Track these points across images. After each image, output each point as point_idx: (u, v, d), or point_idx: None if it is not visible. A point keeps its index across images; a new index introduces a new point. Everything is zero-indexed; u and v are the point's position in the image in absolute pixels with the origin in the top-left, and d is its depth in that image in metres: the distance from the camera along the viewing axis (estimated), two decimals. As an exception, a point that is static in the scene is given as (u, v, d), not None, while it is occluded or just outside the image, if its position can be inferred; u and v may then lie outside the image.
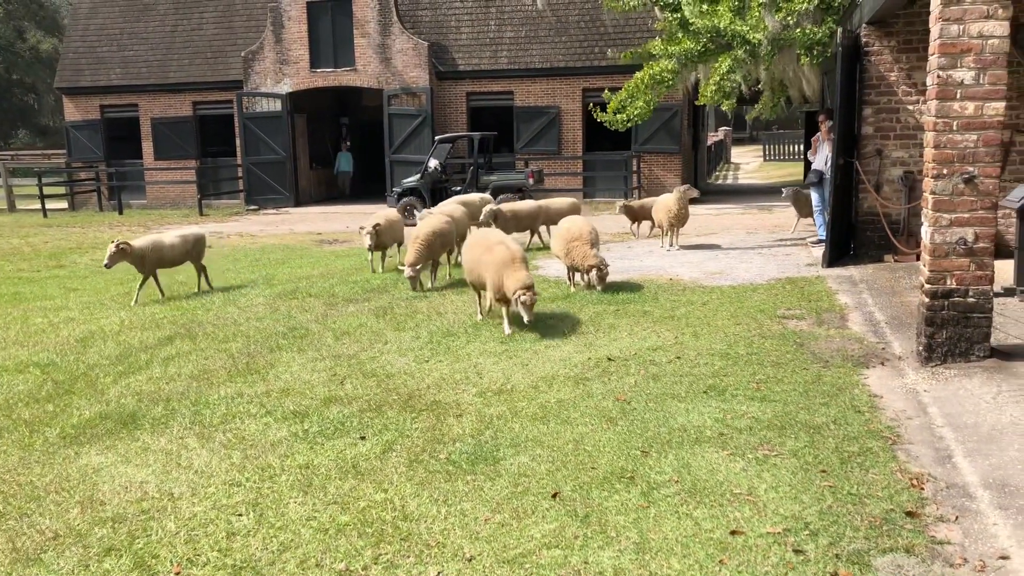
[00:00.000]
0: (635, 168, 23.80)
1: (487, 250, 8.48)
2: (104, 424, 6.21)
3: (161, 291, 11.34)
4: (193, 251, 11.61)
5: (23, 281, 13.46)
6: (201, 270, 11.86)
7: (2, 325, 9.98)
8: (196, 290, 11.73)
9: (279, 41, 25.42)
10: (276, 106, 25.74)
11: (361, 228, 12.37)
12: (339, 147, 29.49)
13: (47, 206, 26.19)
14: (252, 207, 25.74)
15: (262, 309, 10.15)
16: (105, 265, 10.68)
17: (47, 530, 4.54)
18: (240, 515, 4.59)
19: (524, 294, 7.90)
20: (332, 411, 6.22)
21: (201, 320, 9.64)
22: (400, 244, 13.19)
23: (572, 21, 24.73)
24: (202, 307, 10.44)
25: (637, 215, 15.65)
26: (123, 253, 10.67)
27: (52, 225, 23.21)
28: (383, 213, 12.98)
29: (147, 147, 27.54)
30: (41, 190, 26.06)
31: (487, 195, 16.44)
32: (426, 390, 6.64)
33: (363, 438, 5.65)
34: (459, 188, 20.54)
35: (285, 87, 25.62)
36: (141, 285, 11.10)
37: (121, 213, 25.41)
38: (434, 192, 20.67)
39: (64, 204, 28.72)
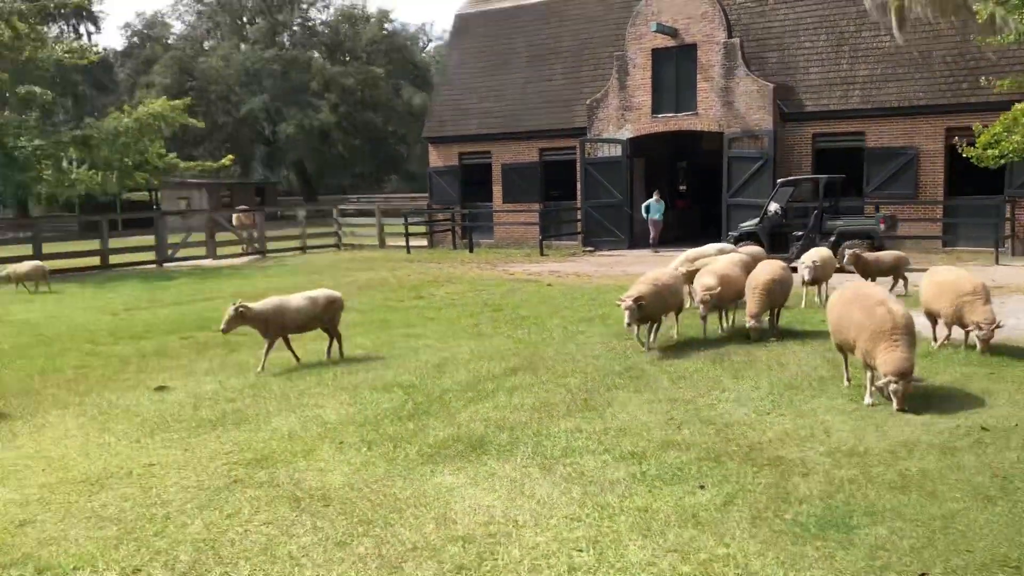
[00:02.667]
0: (1008, 215, 21.21)
1: (866, 311, 7.26)
2: (455, 446, 6.62)
3: (295, 356, 10.19)
4: (324, 315, 10.24)
5: (389, 309, 14.98)
6: (335, 336, 10.46)
7: (373, 347, 11.14)
8: (325, 358, 10.34)
9: (623, 88, 26.19)
10: (616, 151, 26.49)
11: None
12: (674, 190, 29.67)
13: (410, 243, 29.09)
14: (588, 248, 26.60)
15: (599, 348, 10.35)
16: (222, 330, 9.74)
17: (407, 541, 4.90)
18: (580, 551, 4.62)
19: (897, 383, 6.77)
20: (670, 456, 6.11)
21: (543, 355, 10.04)
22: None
23: (936, 56, 22.78)
24: (543, 342, 10.88)
25: None
26: (241, 317, 9.67)
27: (413, 260, 25.68)
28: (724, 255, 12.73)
29: (497, 191, 29.64)
30: (407, 229, 29.03)
31: (725, 244, 15.69)
32: (768, 444, 6.31)
33: (702, 487, 5.47)
34: (800, 233, 19.65)
35: (626, 133, 26.29)
36: (267, 351, 9.95)
37: (471, 251, 27.51)
38: (773, 236, 19.96)
39: (424, 242, 31.73)
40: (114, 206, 45.50)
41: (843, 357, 8.00)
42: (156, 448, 7.03)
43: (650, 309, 9.77)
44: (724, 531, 4.77)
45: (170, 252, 26.45)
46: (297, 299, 10.16)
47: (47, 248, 24.11)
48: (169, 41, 59.46)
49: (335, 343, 10.50)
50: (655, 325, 10.25)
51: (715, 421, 6.97)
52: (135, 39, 59.43)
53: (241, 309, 9.68)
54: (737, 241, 19.88)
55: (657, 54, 25.61)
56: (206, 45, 58.60)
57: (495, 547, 4.73)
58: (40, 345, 12.27)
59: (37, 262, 20.43)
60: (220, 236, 28.42)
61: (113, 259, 25.07)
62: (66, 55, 26.72)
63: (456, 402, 8.00)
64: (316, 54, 55.62)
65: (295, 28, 59.71)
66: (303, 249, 29.89)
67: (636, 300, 9.52)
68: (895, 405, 6.90)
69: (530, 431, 6.92)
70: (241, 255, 28.71)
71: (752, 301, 10.37)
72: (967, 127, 18.14)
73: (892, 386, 6.83)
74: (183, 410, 8.21)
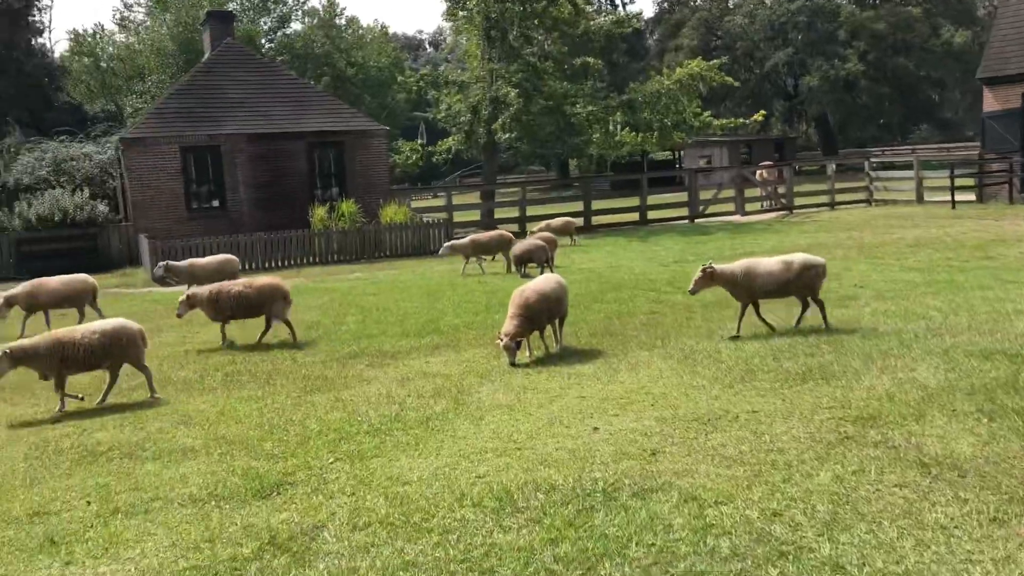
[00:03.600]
0: None
1: None
2: (1107, 430, 5.65)
3: (768, 325, 9.43)
4: (799, 281, 9.25)
5: (954, 269, 13.59)
6: (810, 304, 9.49)
7: (949, 310, 10.16)
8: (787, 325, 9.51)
9: None
10: None
11: None
12: None
13: (956, 198, 26.25)
14: None
15: None
16: (690, 291, 9.69)
17: (1083, 532, 4.24)
18: None
19: None
20: None
21: None
22: None
23: None
24: None
25: None
26: (710, 278, 9.39)
27: (962, 216, 23.09)
28: None
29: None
30: (952, 182, 26.24)
31: None
32: None
33: None
34: None
35: None
36: (740, 316, 9.48)
37: (1035, 206, 23.92)
38: None
39: (972, 196, 28.40)
40: (642, 166, 48.68)
41: None
42: (751, 395, 7.17)
43: None
44: None
45: (701, 208, 27.38)
46: (769, 262, 9.48)
47: (591, 205, 26.52)
48: (696, 3, 61.22)
49: (808, 313, 9.58)
50: None
51: None
52: (665, 4, 62.32)
53: (709, 270, 9.41)
54: None
55: None
56: (731, 3, 59.16)
57: None
58: (611, 291, 13.46)
59: (568, 218, 22.31)
60: (748, 192, 28.66)
61: (650, 215, 26.72)
62: (614, 26, 28.86)
63: (1086, 378, 6.86)
64: (844, 1, 52.75)
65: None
66: (831, 205, 28.75)
67: None
68: None
69: None
70: (767, 211, 28.63)
71: None
72: None
73: None
74: (764, 361, 8.28)
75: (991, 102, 27.41)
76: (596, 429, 6.55)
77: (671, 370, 8.26)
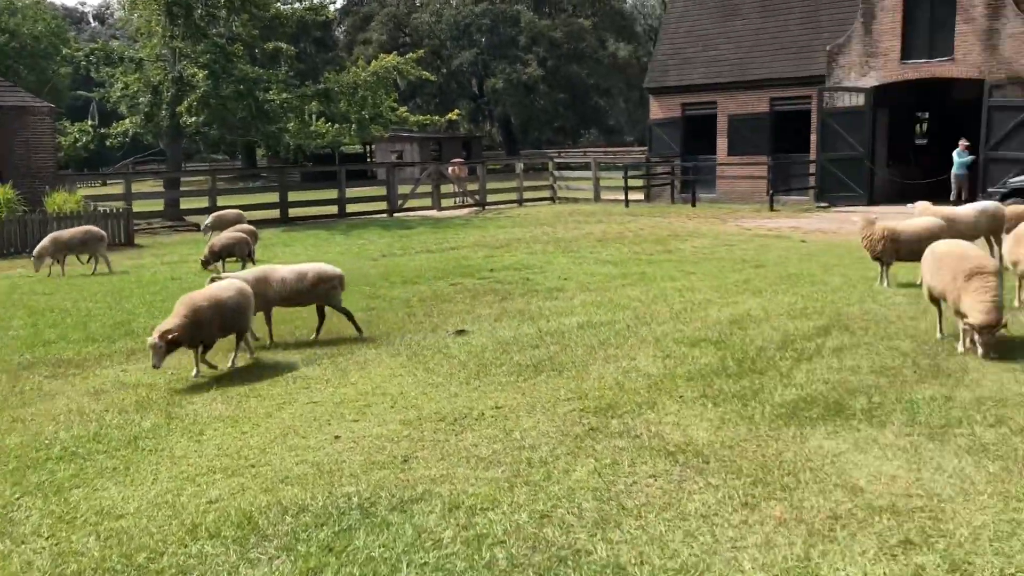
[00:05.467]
0: None
1: None
2: (812, 409, 6.21)
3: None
4: (313, 291, 9.15)
5: (643, 263, 14.63)
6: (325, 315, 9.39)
7: (648, 300, 10.86)
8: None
9: (868, 33, 24.35)
10: (859, 101, 24.76)
11: None
12: (909, 144, 27.48)
13: (629, 197, 28.60)
14: (822, 204, 25.17)
15: (909, 307, 9.57)
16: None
17: (822, 508, 4.56)
18: (1043, 535, 4.12)
19: None
20: (1083, 433, 5.43)
21: (849, 314, 9.40)
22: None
23: None
24: (840, 300, 10.21)
25: None
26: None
27: (635, 214, 25.16)
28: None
29: (721, 143, 28.54)
30: (626, 182, 28.58)
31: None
32: None
33: None
34: (1089, 194, 17.66)
35: (870, 80, 24.50)
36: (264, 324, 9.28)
37: (694, 205, 26.70)
38: (1050, 193, 17.99)
39: (640, 196, 31.13)
40: (332, 158, 47.78)
41: None
42: (491, 390, 7.05)
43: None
44: None
45: (400, 203, 27.35)
46: (284, 271, 9.25)
47: (287, 197, 25.39)
48: (385, -3, 61.28)
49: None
50: None
51: (1110, 396, 6.17)
52: (354, -4, 61.69)
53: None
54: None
55: (910, -6, 23.57)
56: (418, 1, 59.91)
57: (934, 523, 4.31)
58: (322, 287, 12.83)
59: (239, 211, 19.23)
60: (443, 188, 29.13)
61: (349, 208, 26.19)
62: (307, 12, 27.89)
63: (780, 362, 7.56)
64: (523, 7, 55.54)
65: (504, -19, 59.93)
66: (520, 202, 30.10)
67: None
68: None
69: (889, 396, 6.39)
70: (460, 207, 29.31)
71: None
72: None
73: None
74: (495, 355, 8.24)
75: (656, 111, 30.23)
76: (337, 437, 6.05)
77: (403, 368, 7.95)
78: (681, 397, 6.62)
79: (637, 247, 16.82)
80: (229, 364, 8.23)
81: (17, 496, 5.22)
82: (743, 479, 4.99)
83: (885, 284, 11.08)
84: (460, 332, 9.36)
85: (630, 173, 30.31)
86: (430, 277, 13.47)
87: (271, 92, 25.01)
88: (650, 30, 65.25)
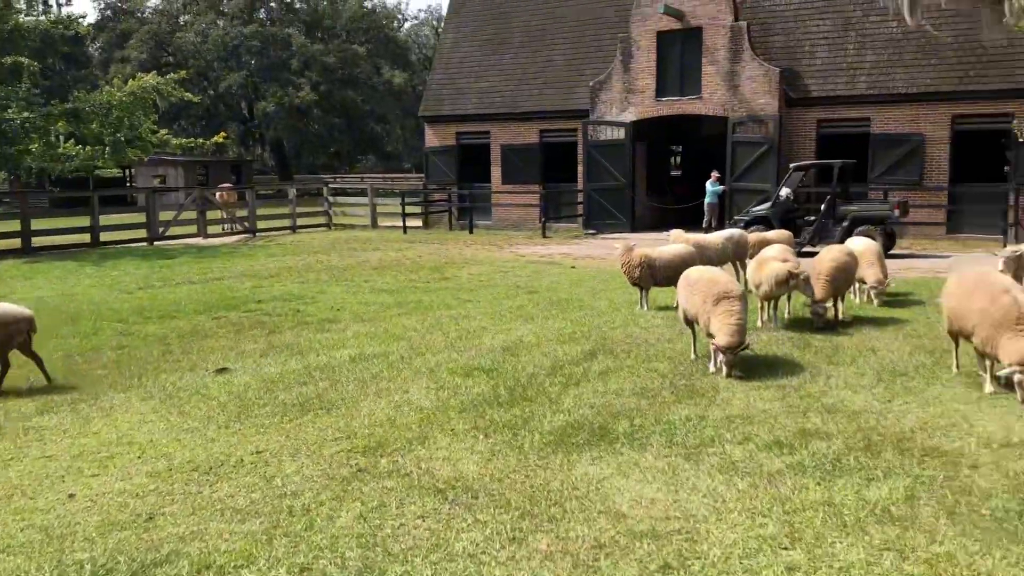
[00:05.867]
0: (1012, 202, 21.33)
1: (991, 300, 6.92)
2: (579, 434, 6.31)
3: None
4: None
5: (420, 291, 14.55)
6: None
7: (423, 329, 10.76)
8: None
9: (627, 71, 25.88)
10: (619, 134, 26.20)
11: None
12: (666, 175, 29.53)
13: (406, 224, 28.55)
14: (590, 231, 26.34)
15: (666, 330, 10.08)
16: None
17: (586, 537, 4.59)
18: (786, 548, 4.35)
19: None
20: (817, 445, 5.86)
21: (613, 338, 9.74)
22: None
23: (944, 43, 22.76)
24: (605, 325, 10.59)
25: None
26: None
27: (413, 241, 25.13)
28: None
29: (495, 172, 29.20)
30: (403, 209, 28.52)
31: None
32: (912, 434, 6.08)
33: (871, 480, 5.22)
34: (812, 218, 19.61)
35: (629, 116, 26.01)
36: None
37: (471, 232, 27.09)
38: (784, 222, 19.81)
39: (419, 222, 31.19)
40: (87, 183, 44.24)
41: (955, 344, 7.79)
42: (252, 434, 6.62)
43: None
44: (926, 527, 4.53)
45: (161, 230, 25.67)
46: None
47: (30, 225, 23.16)
48: (144, 14, 57.74)
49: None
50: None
51: (839, 409, 6.73)
52: (108, 12, 57.60)
53: None
54: (747, 226, 19.73)
55: (662, 37, 25.32)
56: (182, 20, 57.00)
57: (690, 544, 4.44)
58: (67, 324, 11.70)
59: None
60: (210, 214, 27.71)
61: (103, 237, 24.23)
62: (54, 25, 25.67)
63: (550, 388, 7.67)
64: (295, 31, 54.37)
65: (273, 4, 58.37)
66: (293, 228, 29.22)
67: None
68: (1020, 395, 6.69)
69: (649, 418, 6.63)
70: (227, 234, 28.00)
71: (819, 286, 10.14)
72: (974, 114, 18.11)
73: (1019, 376, 6.60)
74: (258, 394, 7.79)
75: (432, 138, 30.47)
76: (71, 496, 5.42)
77: (155, 413, 7.32)
78: (453, 430, 6.53)
79: (414, 275, 16.73)
80: None
81: None
82: (511, 512, 4.94)
83: (645, 308, 11.66)
84: (221, 370, 8.79)
85: (408, 199, 30.31)
86: (190, 311, 12.64)
87: (11, 110, 22.70)
88: (424, 60, 66.03)
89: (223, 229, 28.43)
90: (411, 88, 60.08)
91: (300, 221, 29.81)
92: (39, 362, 8.64)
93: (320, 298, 13.77)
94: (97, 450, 6.34)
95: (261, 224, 28.43)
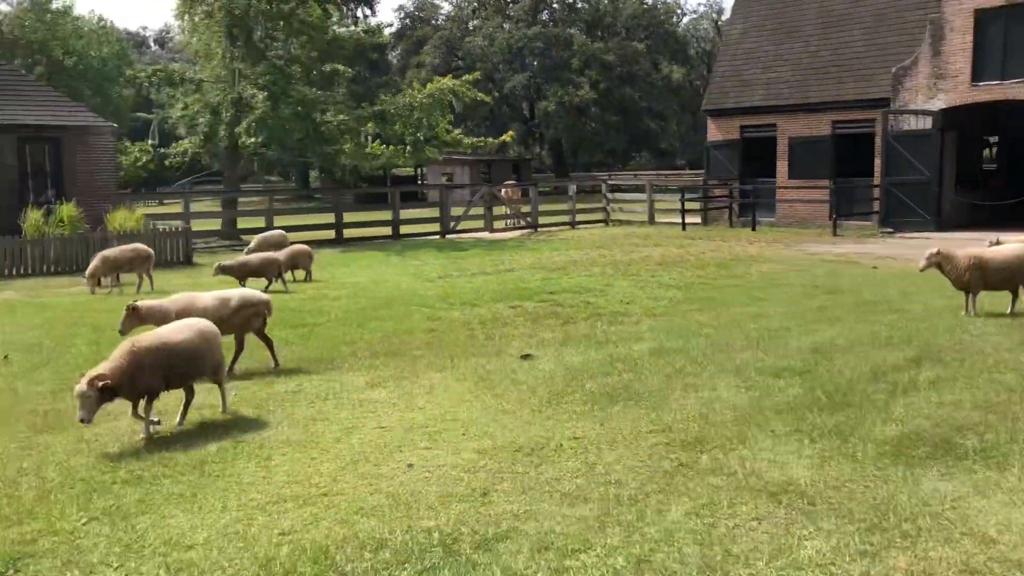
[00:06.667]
0: None
1: None
2: (919, 447, 5.76)
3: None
4: (234, 318, 8.37)
5: (707, 287, 14.20)
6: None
7: (720, 326, 10.43)
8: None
9: (937, 55, 23.68)
10: (926, 124, 24.05)
11: None
12: (979, 168, 26.59)
13: (685, 220, 28.09)
14: (887, 230, 24.43)
15: (1002, 339, 9.03)
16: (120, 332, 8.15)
17: (947, 560, 4.14)
18: None
19: None
20: None
21: (939, 344, 8.89)
22: None
23: None
24: (927, 330, 9.68)
25: None
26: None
27: (693, 237, 24.66)
28: None
29: (781, 166, 27.95)
30: (683, 205, 28.09)
31: None
32: None
33: None
34: None
35: (938, 103, 23.79)
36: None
37: (754, 229, 26.13)
38: None
39: (697, 219, 30.61)
40: (383, 180, 47.97)
41: None
42: (565, 419, 6.71)
43: None
44: None
45: (452, 224, 27.19)
46: (205, 298, 8.51)
47: (342, 218, 25.39)
48: (438, 22, 61.69)
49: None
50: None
51: None
52: (407, 21, 62.20)
53: (132, 308, 8.29)
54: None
55: (982, 15, 22.87)
56: (471, 25, 60.21)
57: (1085, 581, 3.86)
58: (382, 307, 12.65)
59: (282, 231, 18.98)
60: (495, 210, 28.94)
61: (402, 229, 26.10)
62: (364, 35, 28.03)
63: (875, 395, 7.10)
64: (576, 31, 55.52)
65: (555, 5, 59.99)
66: (572, 224, 29.78)
67: None
68: None
69: (1002, 435, 5.92)
70: (512, 229, 29.05)
71: None
72: None
73: None
74: (566, 381, 7.90)
75: (714, 132, 29.75)
76: (411, 466, 5.76)
77: (470, 393, 7.65)
78: (773, 431, 6.21)
79: (700, 271, 16.37)
80: (177, 422, 6.92)
81: (83, 522, 5.01)
82: (856, 524, 4.57)
83: (973, 312, 10.53)
84: (526, 356, 9.04)
85: (687, 195, 29.85)
86: (488, 299, 13.19)
87: (328, 113, 25.10)
88: (703, 53, 64.87)
89: (506, 224, 29.59)
90: (688, 83, 59.28)
91: (579, 217, 30.34)
92: (270, 345, 8.80)
93: (608, 291, 13.84)
94: (425, 424, 6.72)
95: (542, 219, 29.27)
